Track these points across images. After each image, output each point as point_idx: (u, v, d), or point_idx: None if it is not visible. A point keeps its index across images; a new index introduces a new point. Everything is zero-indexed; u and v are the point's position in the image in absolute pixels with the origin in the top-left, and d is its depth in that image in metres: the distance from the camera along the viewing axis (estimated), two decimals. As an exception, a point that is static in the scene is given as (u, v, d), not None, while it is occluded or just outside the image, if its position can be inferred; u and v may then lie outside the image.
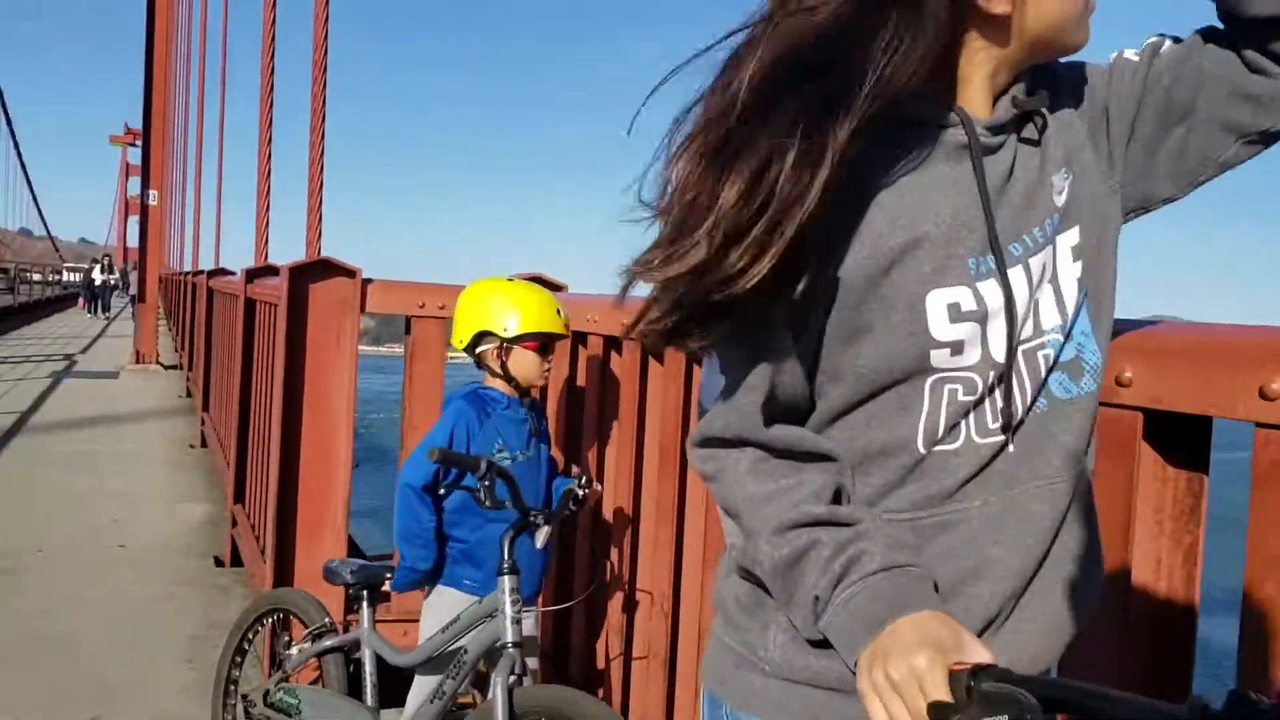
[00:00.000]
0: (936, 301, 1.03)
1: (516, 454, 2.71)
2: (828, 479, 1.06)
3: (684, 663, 2.73)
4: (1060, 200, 1.08)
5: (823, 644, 1.05)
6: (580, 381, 3.43)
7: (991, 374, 1.05)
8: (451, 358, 3.49)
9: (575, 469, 2.82)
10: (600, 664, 3.20)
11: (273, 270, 5.68)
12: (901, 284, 1.02)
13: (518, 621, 2.40)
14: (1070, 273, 1.08)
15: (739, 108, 0.94)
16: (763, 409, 1.07)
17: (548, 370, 2.76)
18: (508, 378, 2.71)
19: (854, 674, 0.97)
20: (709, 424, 1.10)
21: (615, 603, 3.11)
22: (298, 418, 3.86)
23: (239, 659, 3.05)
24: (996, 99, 1.07)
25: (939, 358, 1.04)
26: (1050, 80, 1.10)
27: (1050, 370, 1.08)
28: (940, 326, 1.03)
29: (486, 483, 2.40)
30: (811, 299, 1.01)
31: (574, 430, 3.44)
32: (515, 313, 2.67)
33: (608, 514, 3.17)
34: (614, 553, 3.12)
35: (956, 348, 1.04)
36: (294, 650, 2.89)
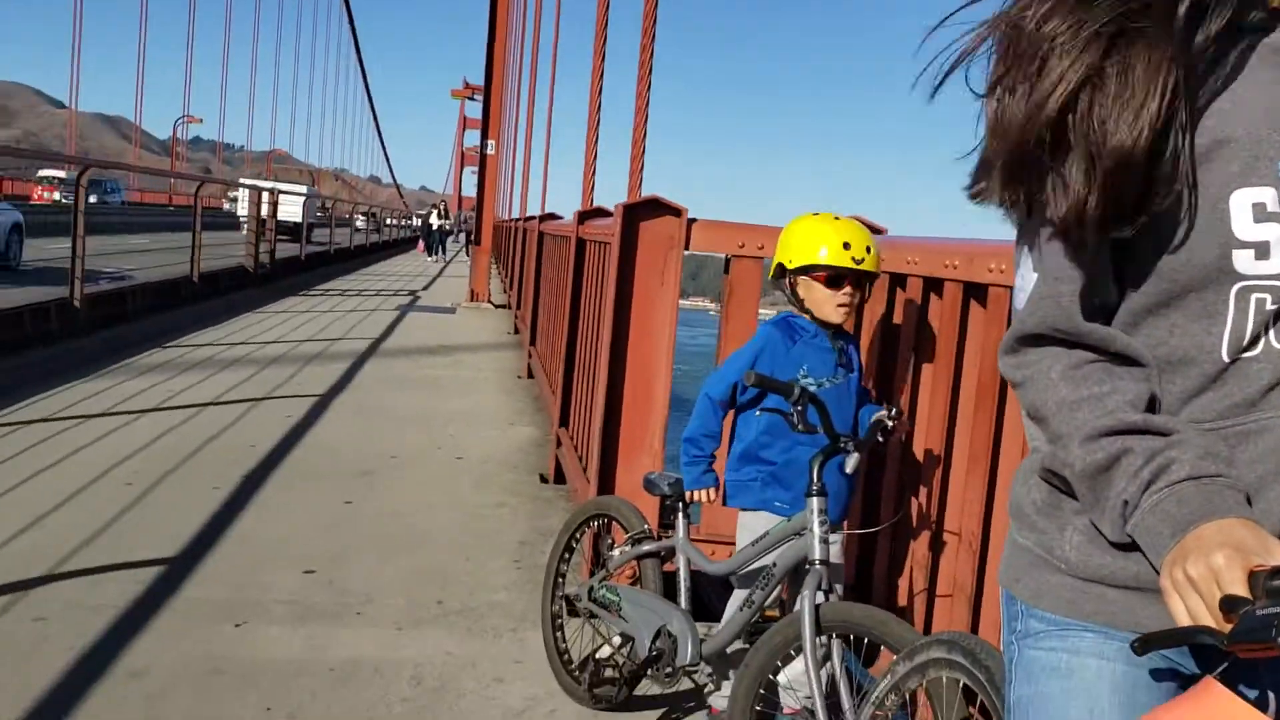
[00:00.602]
0: (1241, 200, 1.04)
1: (823, 380, 2.80)
2: (1142, 387, 1.08)
3: (989, 604, 2.75)
4: None
5: (1119, 546, 1.08)
6: (896, 320, 3.46)
7: None
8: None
9: (886, 403, 2.87)
10: (903, 599, 3.26)
11: (602, 212, 6.04)
12: (1207, 182, 1.04)
13: (825, 541, 2.50)
14: None
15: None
16: (1080, 300, 1.10)
17: (842, 305, 2.79)
18: (802, 308, 2.82)
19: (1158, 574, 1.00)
20: (1022, 322, 1.14)
21: (921, 539, 3.15)
22: (624, 346, 4.13)
23: (567, 555, 3.34)
24: None
25: (1242, 260, 1.04)
26: None
27: None
28: (1244, 226, 1.04)
29: (799, 407, 2.53)
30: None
31: (887, 368, 3.48)
32: (803, 245, 2.77)
33: (918, 452, 3.20)
34: (922, 490, 3.16)
35: (1262, 250, 1.04)
36: (616, 552, 3.13)
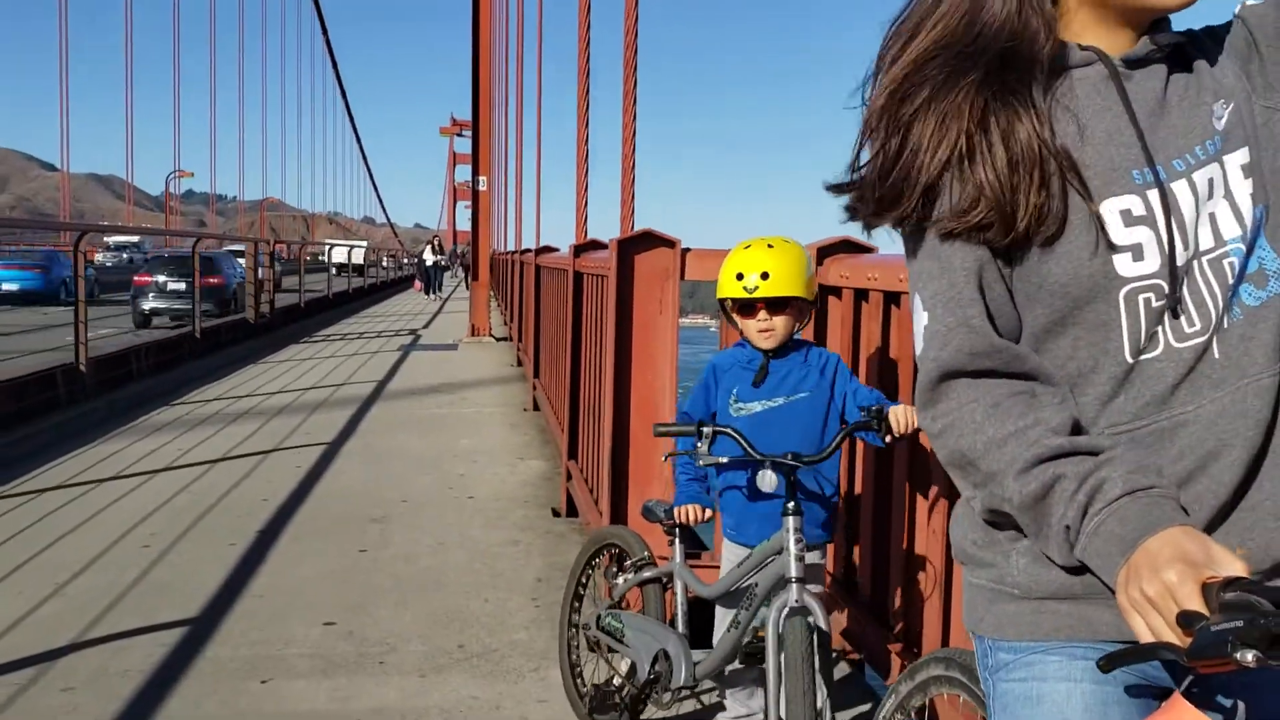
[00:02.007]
0: (1109, 208, 1.14)
1: (754, 404, 2.82)
2: (1063, 413, 1.13)
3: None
4: (1220, 125, 1.17)
5: (1069, 568, 1.14)
6: (863, 335, 3.51)
7: (1176, 279, 1.13)
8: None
9: (864, 409, 2.75)
10: (918, 613, 3.29)
11: (596, 245, 6.09)
12: (1074, 199, 1.15)
13: (800, 559, 2.52)
14: (1243, 189, 1.17)
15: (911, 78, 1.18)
16: (990, 322, 1.17)
17: (763, 331, 2.77)
18: (741, 332, 2.88)
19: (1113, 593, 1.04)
20: (936, 360, 1.18)
21: (936, 551, 3.18)
22: (628, 376, 4.19)
23: (580, 589, 3.39)
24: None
25: (1122, 263, 1.14)
26: (1192, 33, 1.22)
27: (1239, 280, 1.15)
28: (1117, 231, 1.14)
29: (700, 444, 2.67)
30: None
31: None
32: (720, 278, 2.85)
33: (929, 462, 3.24)
34: (940, 502, 3.19)
35: (1137, 252, 1.14)
36: (619, 580, 3.19)
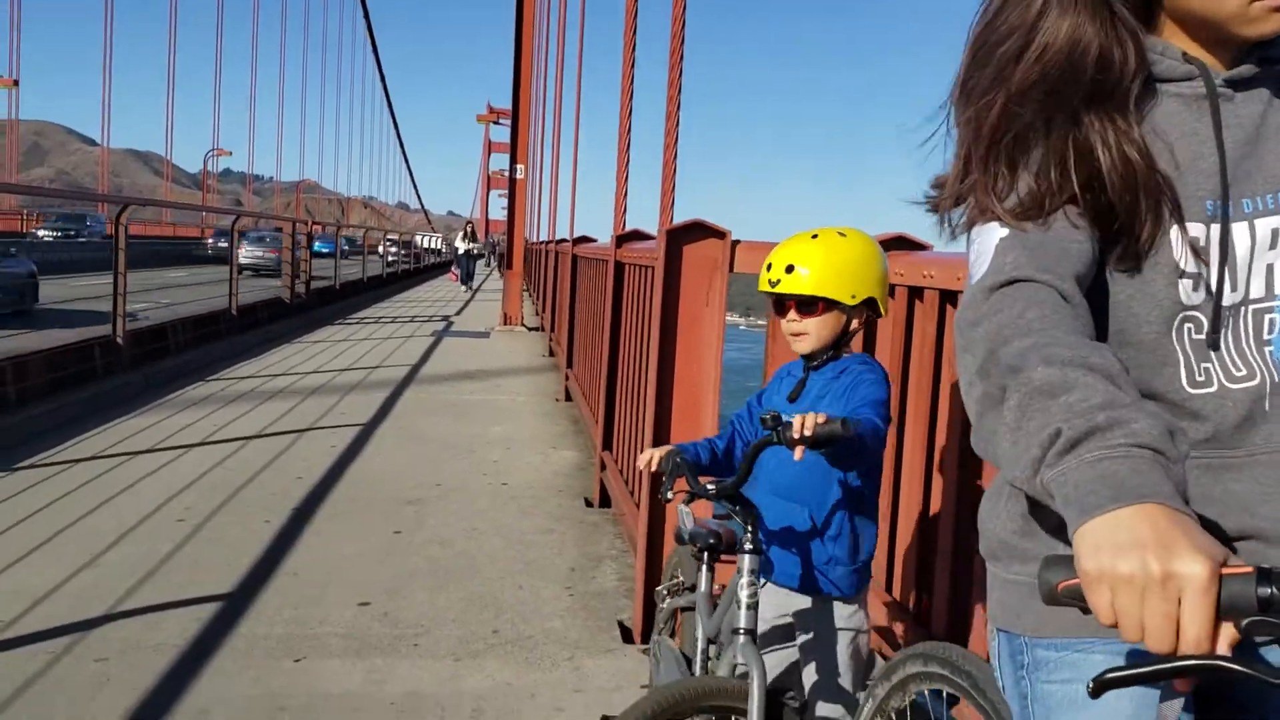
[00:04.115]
0: (1178, 235, 1.12)
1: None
2: (1120, 368, 0.98)
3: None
4: None
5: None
6: (915, 335, 3.43)
7: (1219, 316, 1.11)
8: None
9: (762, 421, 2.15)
10: (965, 625, 3.23)
11: (639, 235, 6.05)
12: (1154, 218, 1.12)
13: (752, 607, 2.17)
14: None
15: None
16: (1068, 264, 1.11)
17: (794, 334, 2.38)
18: None
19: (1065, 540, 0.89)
20: (999, 269, 1.09)
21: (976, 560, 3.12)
22: (671, 369, 4.13)
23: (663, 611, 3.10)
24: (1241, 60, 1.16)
25: (1185, 289, 1.12)
26: None
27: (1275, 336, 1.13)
28: (1186, 258, 1.12)
29: (665, 481, 2.33)
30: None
31: (909, 386, 3.45)
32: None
33: (964, 472, 3.18)
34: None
35: (1196, 282, 1.12)
36: (665, 605, 2.97)
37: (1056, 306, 1.04)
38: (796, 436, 1.99)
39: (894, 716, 2.00)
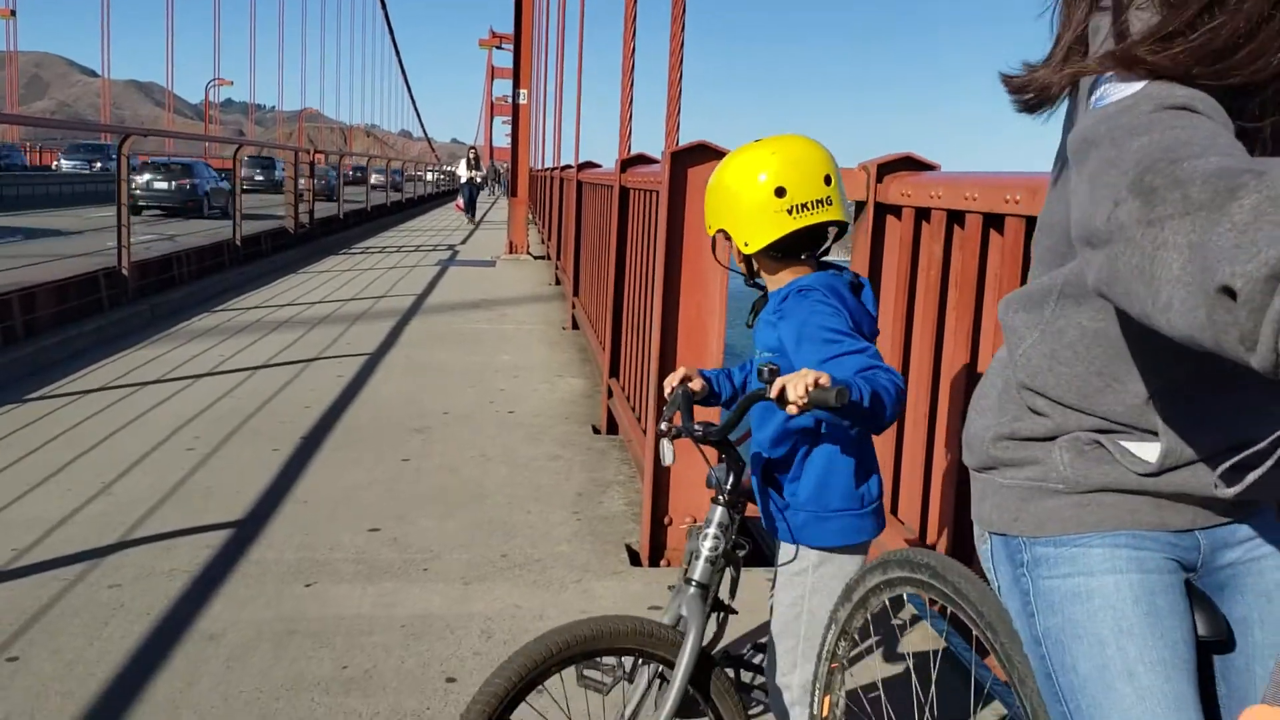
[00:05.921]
0: None
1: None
2: None
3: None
4: None
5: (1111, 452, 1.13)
6: (922, 256, 3.40)
7: None
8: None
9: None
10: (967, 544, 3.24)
11: (644, 159, 5.98)
12: None
13: (712, 560, 2.02)
14: None
15: None
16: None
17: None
18: None
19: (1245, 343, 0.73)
20: (1160, 94, 0.94)
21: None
22: (676, 296, 4.11)
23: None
24: None
25: None
26: None
27: None
28: None
29: (663, 412, 2.11)
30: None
31: (915, 307, 3.43)
32: None
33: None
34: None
35: None
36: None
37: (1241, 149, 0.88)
38: (790, 399, 1.74)
39: (856, 637, 1.85)
